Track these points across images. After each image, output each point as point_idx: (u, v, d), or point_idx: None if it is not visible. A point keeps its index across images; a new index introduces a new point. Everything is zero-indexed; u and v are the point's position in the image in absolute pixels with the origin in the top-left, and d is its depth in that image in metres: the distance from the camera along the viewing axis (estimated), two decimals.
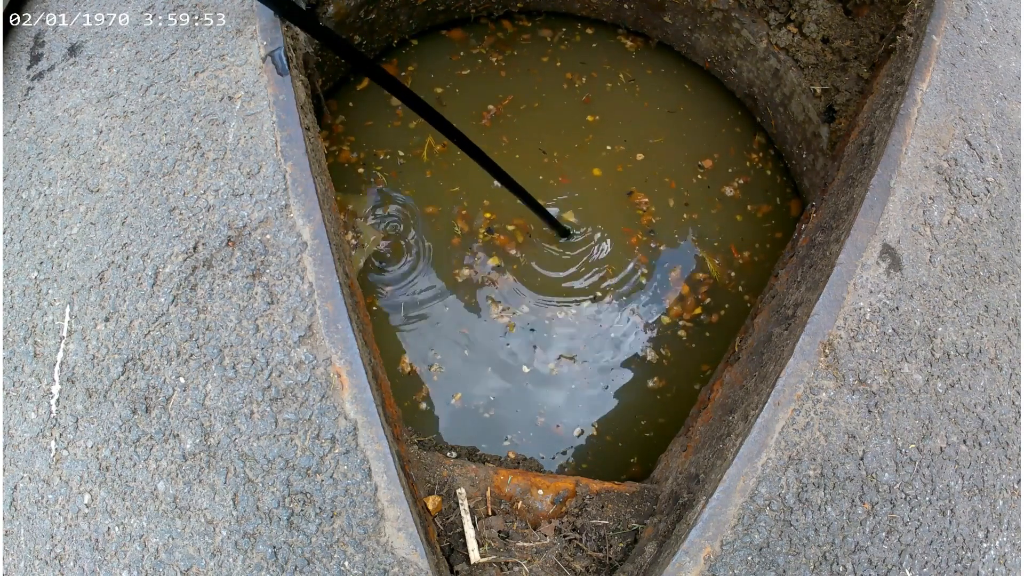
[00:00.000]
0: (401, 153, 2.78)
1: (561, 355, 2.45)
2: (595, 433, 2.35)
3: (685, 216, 2.73)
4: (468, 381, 2.40)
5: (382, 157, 2.77)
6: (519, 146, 2.82)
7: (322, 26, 1.62)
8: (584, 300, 2.56)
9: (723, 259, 2.64)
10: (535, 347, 2.45)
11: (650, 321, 2.53)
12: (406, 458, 1.60)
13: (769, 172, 2.86)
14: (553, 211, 2.62)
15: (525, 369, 2.43)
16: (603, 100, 2.98)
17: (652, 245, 2.67)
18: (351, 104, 2.89)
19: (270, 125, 1.73)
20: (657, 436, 2.35)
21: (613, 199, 2.75)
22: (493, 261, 2.58)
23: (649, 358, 2.45)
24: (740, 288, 2.60)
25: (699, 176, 2.80)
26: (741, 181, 2.82)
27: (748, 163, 2.87)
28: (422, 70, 3.00)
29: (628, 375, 2.44)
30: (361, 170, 2.74)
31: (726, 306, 2.55)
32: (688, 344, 2.49)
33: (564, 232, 2.61)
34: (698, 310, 2.53)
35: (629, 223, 2.70)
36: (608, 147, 2.86)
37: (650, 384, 2.42)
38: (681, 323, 2.51)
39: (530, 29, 3.16)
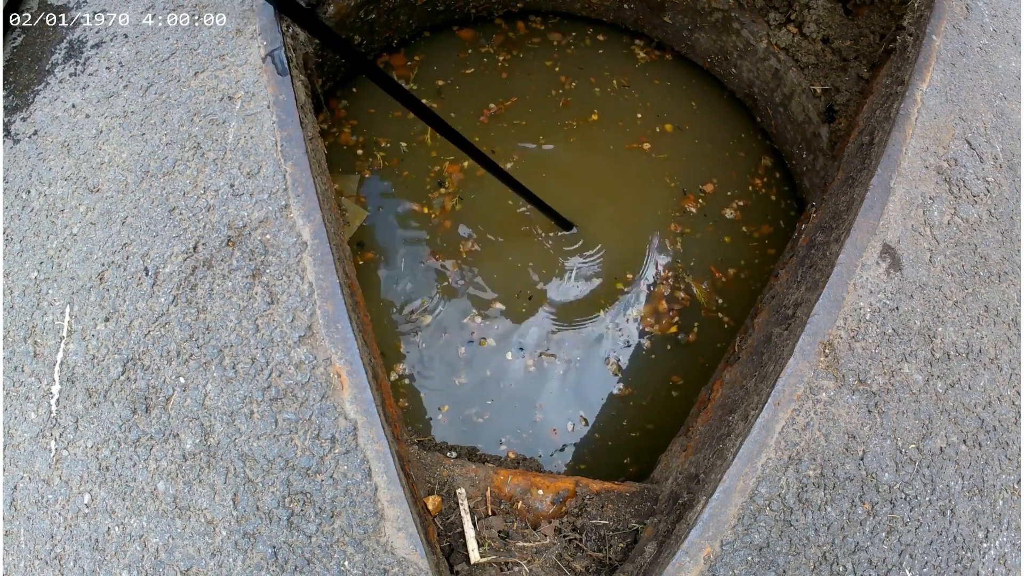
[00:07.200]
0: (403, 144, 2.79)
1: (542, 352, 2.46)
2: (585, 431, 2.35)
3: (682, 238, 2.72)
4: (446, 382, 2.42)
5: (384, 145, 2.78)
6: (529, 159, 2.82)
7: (322, 24, 1.62)
8: (568, 305, 2.56)
9: (711, 283, 2.63)
10: (521, 346, 2.47)
11: (626, 333, 2.53)
12: (406, 458, 1.60)
13: (774, 197, 2.83)
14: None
15: (508, 357, 2.45)
16: (588, 105, 2.96)
17: (645, 257, 2.66)
18: (355, 90, 2.90)
19: (270, 125, 1.73)
20: (644, 439, 2.35)
21: (609, 206, 2.75)
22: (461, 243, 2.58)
23: (611, 369, 2.47)
24: (721, 314, 2.59)
25: (700, 200, 2.79)
26: (742, 203, 2.79)
27: (751, 187, 2.85)
28: (428, 61, 3.01)
29: (602, 383, 2.46)
30: (360, 151, 2.76)
31: (695, 325, 2.55)
32: (649, 356, 2.50)
33: (567, 225, 2.60)
34: (673, 328, 2.53)
35: (624, 232, 2.70)
36: (598, 157, 2.86)
37: (615, 391, 2.43)
38: (649, 331, 2.51)
39: (541, 32, 3.14)
